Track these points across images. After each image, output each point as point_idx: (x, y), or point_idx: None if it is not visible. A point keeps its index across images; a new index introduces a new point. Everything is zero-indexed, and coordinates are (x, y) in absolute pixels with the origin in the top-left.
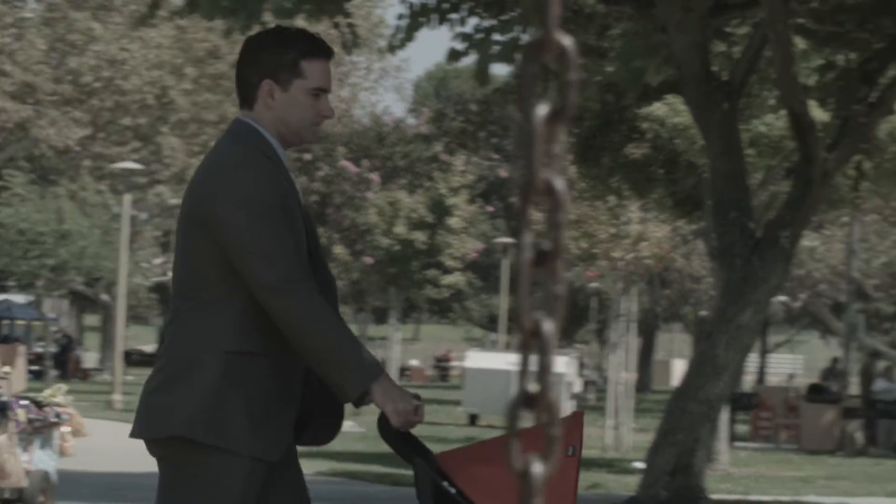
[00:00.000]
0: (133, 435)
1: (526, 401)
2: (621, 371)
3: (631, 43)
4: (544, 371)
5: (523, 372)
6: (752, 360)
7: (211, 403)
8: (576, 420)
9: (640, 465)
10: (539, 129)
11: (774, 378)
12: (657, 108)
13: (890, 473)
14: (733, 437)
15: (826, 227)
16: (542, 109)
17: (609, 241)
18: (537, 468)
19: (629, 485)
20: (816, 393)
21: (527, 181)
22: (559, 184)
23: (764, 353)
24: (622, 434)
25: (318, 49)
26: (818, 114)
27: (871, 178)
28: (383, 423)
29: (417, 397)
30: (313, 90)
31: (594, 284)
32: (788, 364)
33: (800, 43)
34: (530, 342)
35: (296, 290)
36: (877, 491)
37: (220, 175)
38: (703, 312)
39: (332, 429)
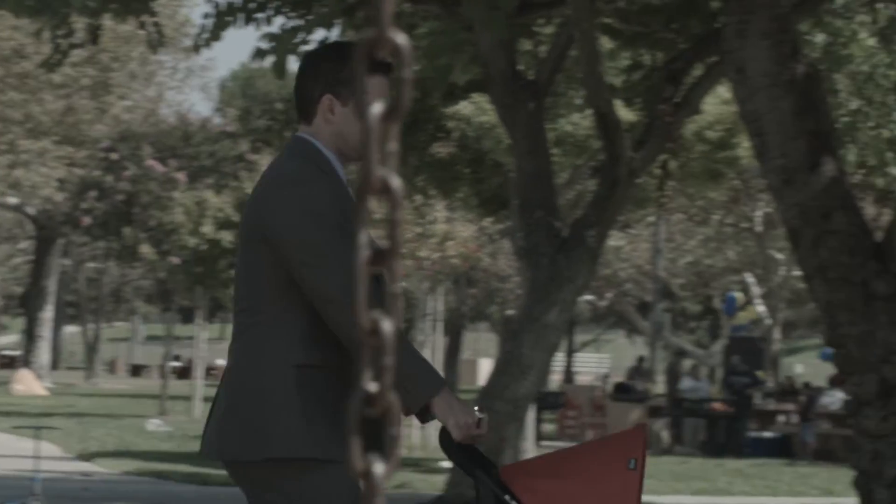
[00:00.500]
0: (214, 456)
1: (366, 400)
2: None
3: (436, 41)
4: (383, 370)
5: (362, 371)
6: (559, 360)
7: (297, 419)
8: (636, 433)
9: (446, 464)
10: (375, 127)
11: (581, 377)
12: (463, 107)
13: (695, 472)
14: (540, 437)
15: (632, 227)
16: (377, 108)
17: (415, 241)
18: (378, 468)
19: (436, 484)
20: (622, 392)
21: (363, 180)
22: (395, 182)
23: (570, 352)
24: (428, 433)
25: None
26: (624, 113)
27: (676, 178)
28: (445, 437)
29: (481, 409)
30: None
31: (402, 284)
32: (594, 363)
33: (606, 42)
34: (369, 341)
35: (340, 298)
36: (682, 489)
37: (279, 191)
38: (510, 311)
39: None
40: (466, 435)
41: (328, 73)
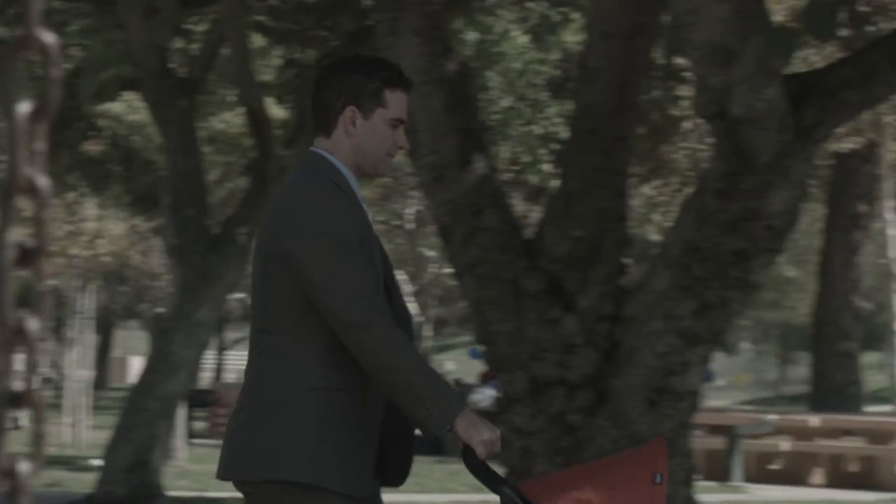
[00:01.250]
0: (223, 476)
1: (12, 400)
2: (78, 368)
3: (89, 39)
4: (31, 369)
5: (6, 371)
6: (209, 357)
7: (304, 443)
8: (659, 446)
9: (97, 462)
10: (22, 126)
11: (231, 375)
12: (115, 106)
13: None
14: (191, 434)
15: None
16: (24, 107)
17: (66, 239)
18: (24, 467)
19: (87, 482)
20: None
21: (10, 179)
22: (42, 181)
23: (221, 350)
24: (79, 431)
25: (401, 79)
26: (276, 111)
27: None
28: (469, 455)
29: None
30: (393, 120)
31: (51, 282)
32: (243, 361)
33: (258, 40)
34: (14, 340)
35: (378, 325)
36: None
37: (298, 210)
38: (160, 309)
39: (404, 473)
40: (491, 452)
41: (353, 84)
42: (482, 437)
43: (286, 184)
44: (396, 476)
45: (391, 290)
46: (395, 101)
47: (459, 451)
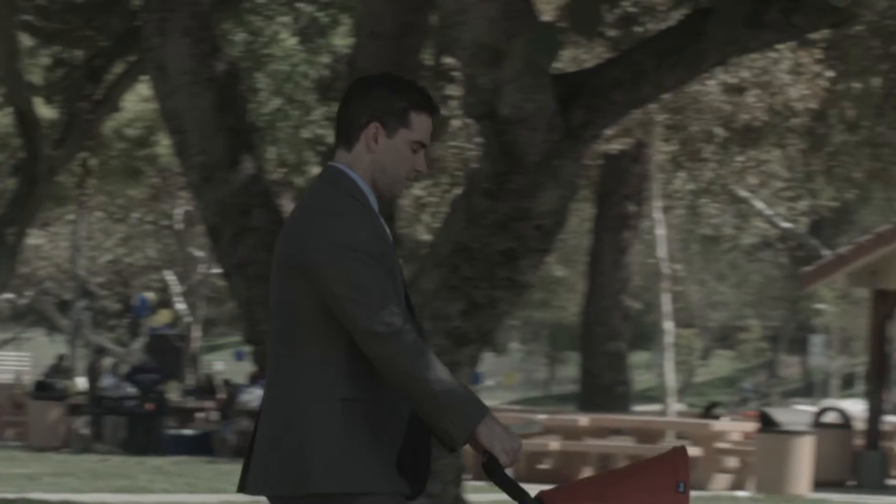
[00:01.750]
0: (253, 491)
1: None
2: None
3: None
4: None
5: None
6: None
7: (340, 452)
8: (681, 455)
9: None
10: None
11: (3, 375)
12: None
13: (116, 469)
14: None
15: (52, 225)
16: None
17: None
18: None
19: None
20: (42, 390)
21: None
22: None
23: None
24: None
25: (428, 103)
26: (44, 111)
27: (96, 176)
28: (491, 464)
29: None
30: (415, 143)
31: None
32: (14, 361)
33: (26, 40)
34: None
35: (401, 335)
36: (103, 487)
37: (320, 224)
38: None
39: (423, 483)
40: (514, 461)
41: (380, 101)
42: (504, 445)
43: (304, 198)
44: (416, 487)
45: (407, 305)
46: (420, 124)
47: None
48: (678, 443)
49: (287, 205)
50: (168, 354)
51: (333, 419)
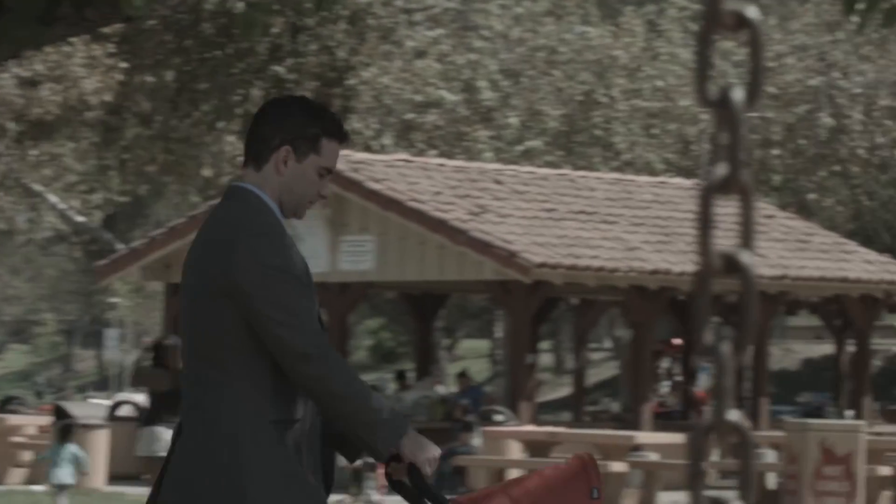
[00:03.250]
0: (168, 501)
1: None
2: None
3: None
4: None
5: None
6: None
7: (276, 474)
8: (591, 462)
9: None
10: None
11: None
12: None
13: None
14: None
15: None
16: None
17: None
18: None
19: None
20: None
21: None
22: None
23: None
24: None
25: (339, 131)
26: None
27: None
28: (415, 474)
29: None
30: (323, 169)
31: None
32: None
33: None
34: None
35: (328, 357)
36: None
37: (244, 244)
38: None
39: (329, 493)
40: (434, 468)
41: (294, 125)
42: (427, 455)
43: (214, 216)
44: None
45: (322, 327)
46: (330, 151)
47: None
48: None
49: None
50: None
51: (266, 441)
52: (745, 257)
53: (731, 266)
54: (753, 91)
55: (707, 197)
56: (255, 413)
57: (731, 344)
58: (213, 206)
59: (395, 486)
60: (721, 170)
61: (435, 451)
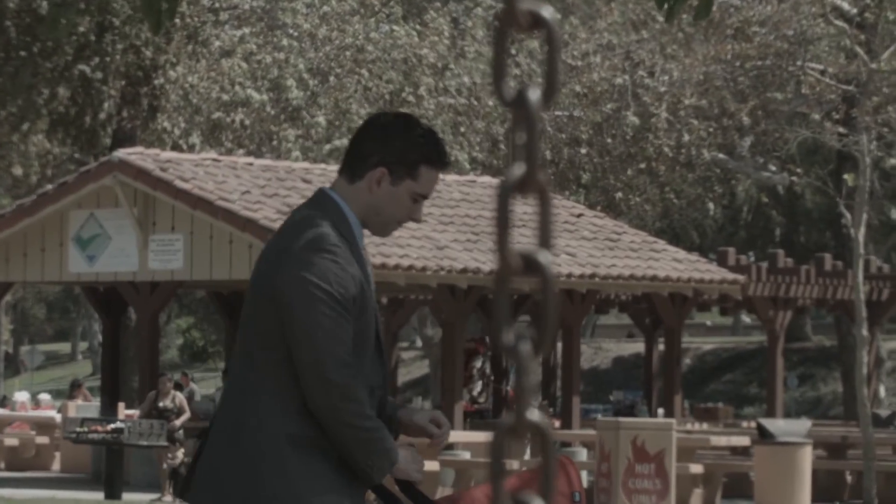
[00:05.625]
0: (197, 500)
1: None
2: None
3: None
4: None
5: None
6: None
7: (307, 488)
8: (571, 465)
9: None
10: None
11: None
12: None
13: None
14: None
15: None
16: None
17: None
18: None
19: None
20: None
21: None
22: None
23: None
24: None
25: (440, 159)
26: None
27: None
28: (406, 485)
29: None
30: (417, 195)
31: None
32: None
33: None
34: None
35: (349, 389)
36: None
37: (299, 255)
38: None
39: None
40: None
41: (395, 149)
42: (417, 466)
43: (292, 219)
44: None
45: (378, 343)
46: (427, 178)
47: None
48: None
49: None
50: None
51: (288, 455)
52: (544, 257)
53: (530, 266)
54: (549, 91)
55: (504, 197)
56: (281, 427)
57: (530, 343)
58: (297, 207)
59: (401, 487)
60: (518, 169)
61: (419, 462)
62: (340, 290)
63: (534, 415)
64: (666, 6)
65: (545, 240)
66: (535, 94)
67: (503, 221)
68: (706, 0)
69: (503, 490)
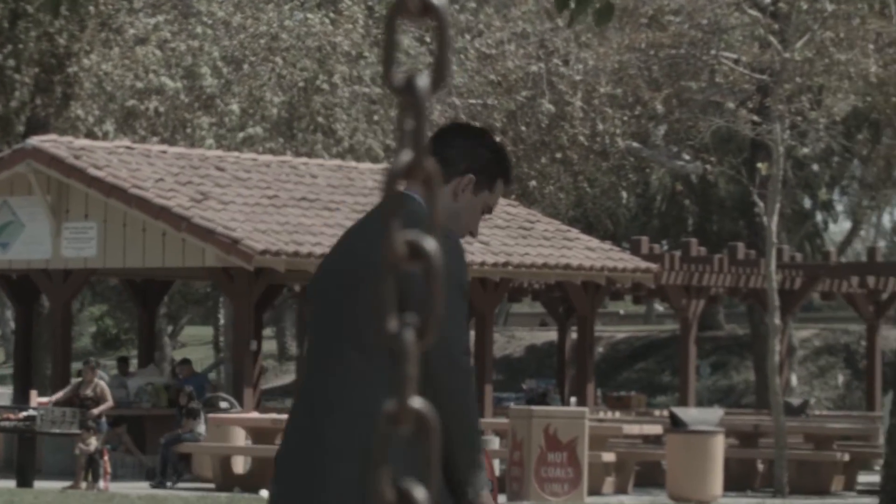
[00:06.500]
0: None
1: None
2: None
3: None
4: None
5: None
6: None
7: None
8: (486, 456)
9: None
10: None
11: None
12: None
13: None
14: None
15: None
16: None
17: None
18: None
19: None
20: None
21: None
22: None
23: None
24: None
25: (511, 176)
26: None
27: None
28: None
29: None
30: (487, 207)
31: None
32: None
33: None
34: None
35: (471, 374)
36: None
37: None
38: None
39: None
40: None
41: (483, 158)
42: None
43: (373, 215)
44: None
45: None
46: (499, 193)
47: None
48: None
49: None
50: None
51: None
52: (429, 244)
53: (416, 253)
54: (438, 78)
55: (391, 183)
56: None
57: (413, 332)
58: (377, 205)
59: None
60: (405, 156)
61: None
62: (463, 280)
63: (416, 402)
64: (566, 11)
65: (431, 227)
66: (423, 81)
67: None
68: (607, 5)
69: (387, 480)
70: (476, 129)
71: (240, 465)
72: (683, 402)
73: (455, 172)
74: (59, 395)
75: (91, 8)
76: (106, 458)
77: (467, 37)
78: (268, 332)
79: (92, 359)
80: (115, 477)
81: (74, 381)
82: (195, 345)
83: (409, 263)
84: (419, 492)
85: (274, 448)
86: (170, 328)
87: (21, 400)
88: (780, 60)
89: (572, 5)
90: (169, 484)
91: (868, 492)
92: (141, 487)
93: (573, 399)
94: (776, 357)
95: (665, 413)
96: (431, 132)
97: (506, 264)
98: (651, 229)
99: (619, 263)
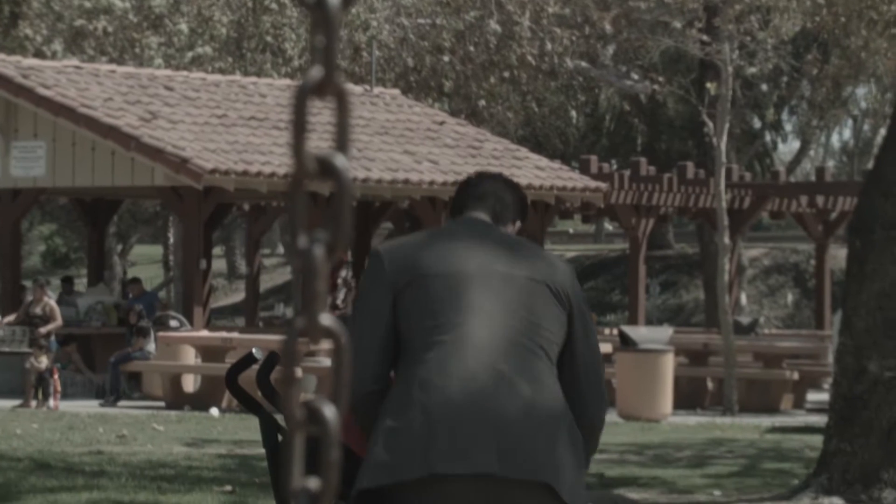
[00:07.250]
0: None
1: None
2: None
3: None
4: None
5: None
6: None
7: (578, 477)
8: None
9: None
10: None
11: None
12: None
13: None
14: None
15: None
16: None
17: None
18: None
19: None
20: None
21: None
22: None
23: None
24: None
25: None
26: None
27: None
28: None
29: None
30: None
31: None
32: None
33: None
34: None
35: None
36: None
37: (561, 265)
38: None
39: None
40: None
41: (525, 209)
42: None
43: (498, 232)
44: None
45: None
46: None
47: None
48: None
49: None
50: None
51: (573, 439)
52: (340, 161)
53: (326, 170)
54: None
55: (301, 100)
56: (565, 408)
57: (323, 247)
58: (487, 228)
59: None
60: (316, 72)
61: None
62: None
63: (325, 319)
64: None
65: (342, 144)
66: None
67: (300, 125)
68: None
69: (292, 394)
70: (515, 183)
71: (189, 383)
72: (633, 321)
73: (511, 216)
74: (12, 318)
75: None
76: (56, 376)
77: None
78: (217, 251)
79: (41, 277)
80: (65, 395)
81: (26, 300)
82: (145, 264)
83: (319, 180)
84: (328, 409)
85: (224, 366)
86: (119, 247)
87: None
88: None
89: None
90: (117, 401)
91: (817, 410)
92: (90, 406)
93: None
94: (726, 276)
95: (615, 332)
96: (484, 177)
97: (455, 183)
98: (600, 148)
99: (568, 182)
